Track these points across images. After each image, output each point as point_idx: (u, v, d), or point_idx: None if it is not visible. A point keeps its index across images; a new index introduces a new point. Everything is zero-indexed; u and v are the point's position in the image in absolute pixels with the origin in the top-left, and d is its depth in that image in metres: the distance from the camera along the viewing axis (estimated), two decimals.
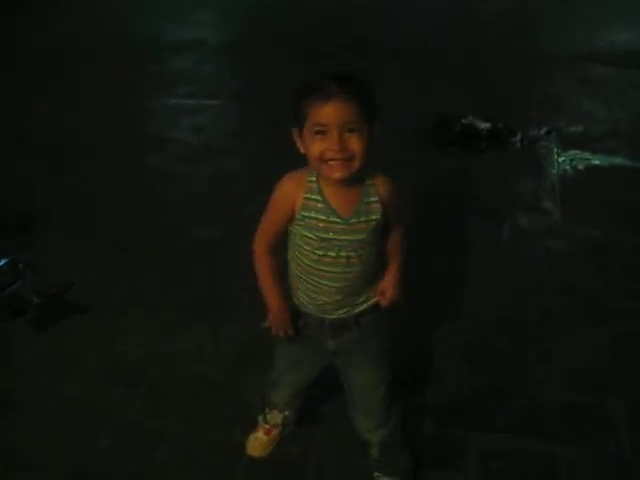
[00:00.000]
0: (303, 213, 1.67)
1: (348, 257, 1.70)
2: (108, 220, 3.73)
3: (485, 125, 4.71)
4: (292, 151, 1.71)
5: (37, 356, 2.77)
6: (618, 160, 4.41)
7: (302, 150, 1.65)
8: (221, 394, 2.54)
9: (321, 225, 1.67)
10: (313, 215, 1.67)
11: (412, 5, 8.47)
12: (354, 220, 1.68)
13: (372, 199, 1.70)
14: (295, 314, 1.87)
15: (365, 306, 1.84)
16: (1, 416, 2.47)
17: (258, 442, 2.28)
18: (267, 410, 2.21)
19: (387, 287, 1.86)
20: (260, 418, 2.26)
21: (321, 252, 1.69)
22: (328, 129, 1.54)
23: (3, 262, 3.25)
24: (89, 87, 5.84)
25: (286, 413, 2.19)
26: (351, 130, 1.55)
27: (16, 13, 8.37)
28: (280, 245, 1.82)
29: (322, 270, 1.72)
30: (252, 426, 2.31)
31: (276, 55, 6.76)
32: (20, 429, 2.42)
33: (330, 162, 1.57)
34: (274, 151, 3.66)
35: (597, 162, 4.38)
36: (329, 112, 1.53)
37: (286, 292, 1.87)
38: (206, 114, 5.27)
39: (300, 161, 1.69)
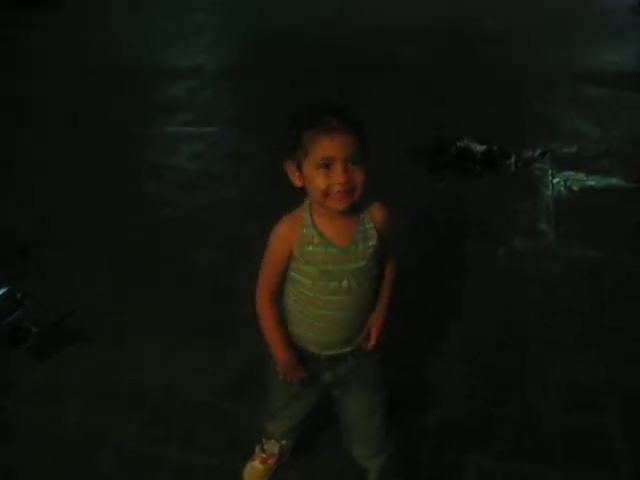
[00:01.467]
0: (300, 249, 1.69)
1: (349, 286, 1.71)
2: (106, 246, 3.75)
3: (480, 148, 4.75)
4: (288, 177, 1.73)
5: (37, 384, 2.77)
6: (613, 181, 4.45)
7: (296, 183, 1.66)
8: (221, 419, 2.55)
9: (319, 258, 1.68)
10: (310, 249, 1.68)
11: (409, 30, 8.57)
12: (352, 248, 1.70)
13: (367, 226, 1.72)
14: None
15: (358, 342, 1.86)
16: (1, 444, 2.48)
17: (255, 471, 2.29)
18: (264, 439, 2.22)
19: (372, 326, 1.87)
20: (257, 447, 2.27)
21: (322, 283, 1.71)
22: (333, 162, 1.57)
23: (2, 292, 3.27)
24: (86, 114, 5.89)
25: (283, 442, 2.19)
26: (354, 162, 1.58)
27: (16, 39, 8.47)
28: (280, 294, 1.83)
29: (324, 301, 1.73)
30: (251, 452, 2.31)
31: (273, 82, 6.82)
32: (21, 456, 2.43)
33: (335, 194, 1.59)
34: (272, 178, 3.67)
35: (592, 183, 4.42)
36: (334, 146, 1.55)
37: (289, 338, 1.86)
38: (203, 141, 5.31)
39: (298, 189, 1.71)
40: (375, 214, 1.74)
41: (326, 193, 1.59)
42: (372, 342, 1.87)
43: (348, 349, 1.84)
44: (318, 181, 1.59)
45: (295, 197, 1.74)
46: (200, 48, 8.39)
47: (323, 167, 1.57)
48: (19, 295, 3.25)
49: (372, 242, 1.72)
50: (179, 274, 3.48)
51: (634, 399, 2.62)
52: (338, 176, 1.56)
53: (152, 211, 4.16)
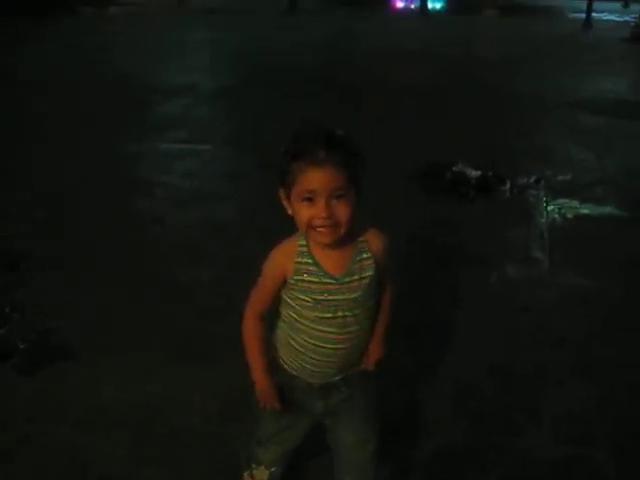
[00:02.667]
0: (296, 277, 1.65)
1: (344, 317, 1.67)
2: (95, 262, 3.72)
3: (475, 173, 4.76)
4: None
5: (22, 401, 2.72)
6: (607, 209, 4.46)
7: (289, 211, 1.63)
8: (207, 443, 2.50)
9: (314, 287, 1.65)
10: (306, 278, 1.65)
11: (407, 57, 8.63)
12: (347, 279, 1.66)
13: (364, 256, 1.68)
14: (282, 384, 1.82)
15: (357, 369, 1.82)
16: None
17: None
18: (253, 466, 2.17)
19: (372, 350, 1.84)
20: (245, 473, 2.21)
21: (316, 313, 1.67)
22: (316, 196, 1.54)
23: None
24: (80, 129, 5.88)
25: (272, 469, 2.14)
26: (338, 197, 1.54)
27: (16, 54, 8.48)
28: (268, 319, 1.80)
29: (319, 331, 1.69)
30: (238, 478, 2.26)
31: (268, 101, 6.84)
32: (3, 476, 2.37)
33: (318, 228, 1.57)
34: (266, 198, 3.66)
35: (586, 211, 4.42)
36: (318, 180, 1.52)
37: (271, 364, 1.82)
38: (197, 159, 5.30)
39: None
40: (372, 242, 1.70)
41: (310, 226, 1.57)
42: (371, 365, 1.84)
43: (341, 377, 1.80)
44: (302, 213, 1.56)
45: (289, 218, 1.71)
46: (196, 67, 8.43)
47: (307, 200, 1.55)
48: (7, 310, 3.21)
49: (369, 273, 1.68)
50: (167, 293, 3.44)
51: (626, 429, 2.59)
52: (320, 211, 1.54)
53: (143, 228, 4.14)
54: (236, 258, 3.69)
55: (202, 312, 3.27)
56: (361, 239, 1.68)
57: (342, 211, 1.55)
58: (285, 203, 1.63)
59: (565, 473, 2.39)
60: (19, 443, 2.50)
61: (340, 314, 1.66)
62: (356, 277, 1.66)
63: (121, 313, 3.27)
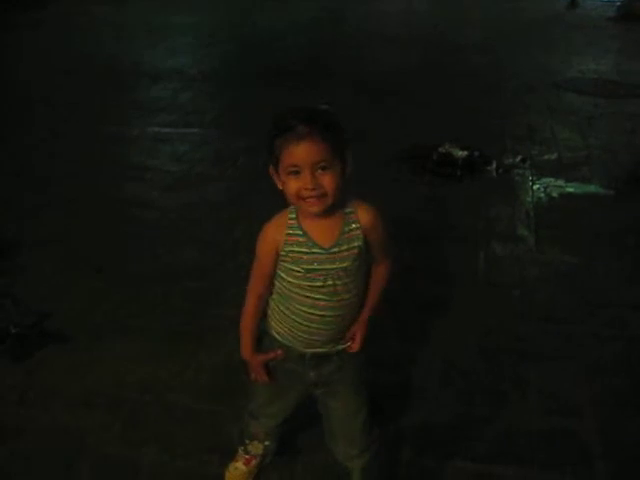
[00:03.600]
0: (286, 249, 1.72)
1: (334, 285, 1.73)
2: (86, 246, 3.74)
3: (461, 153, 4.78)
4: (272, 180, 1.75)
5: (14, 386, 2.74)
6: (592, 187, 4.50)
7: (279, 186, 1.70)
8: (200, 423, 2.54)
9: (305, 257, 1.71)
10: (296, 249, 1.71)
11: (392, 37, 8.63)
12: (336, 249, 1.72)
13: (353, 226, 1.74)
14: (273, 354, 1.89)
15: (343, 344, 1.88)
16: None
17: (238, 472, 2.28)
18: (247, 441, 2.22)
19: (357, 330, 1.89)
20: (240, 449, 2.26)
21: (307, 282, 1.73)
22: (301, 169, 1.61)
23: None
24: (68, 114, 5.86)
25: (266, 443, 2.19)
26: (323, 168, 1.61)
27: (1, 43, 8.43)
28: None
29: (310, 298, 1.75)
30: (231, 456, 2.31)
31: (255, 84, 6.84)
32: None
33: (307, 199, 1.64)
34: (255, 179, 3.70)
35: (571, 189, 4.46)
36: (300, 153, 1.59)
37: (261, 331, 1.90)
38: (186, 142, 5.30)
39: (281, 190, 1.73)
40: (362, 214, 1.75)
41: (298, 197, 1.64)
42: (356, 345, 1.89)
43: (333, 350, 1.86)
44: (290, 186, 1.64)
45: (279, 198, 1.75)
46: (181, 50, 8.39)
47: (293, 173, 1.62)
48: None
49: (357, 243, 1.74)
50: (159, 276, 3.47)
51: (610, 401, 2.65)
52: (306, 182, 1.61)
53: (133, 212, 4.15)
54: (230, 241, 3.72)
55: (193, 294, 3.30)
56: (349, 210, 1.75)
57: (328, 181, 1.62)
58: (275, 178, 1.71)
59: (550, 445, 2.45)
60: (11, 427, 2.53)
61: (330, 282, 1.72)
62: (345, 247, 1.73)
63: (113, 297, 3.30)
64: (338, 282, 1.73)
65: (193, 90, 6.77)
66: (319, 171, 1.61)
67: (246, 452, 2.25)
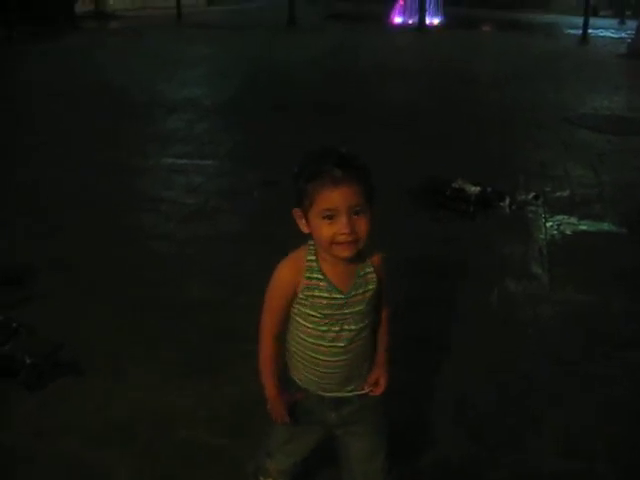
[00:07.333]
0: (306, 293, 1.71)
1: (350, 330, 1.74)
2: (100, 279, 3.75)
3: (474, 189, 4.80)
4: (286, 212, 1.75)
5: (28, 416, 2.74)
6: (605, 225, 4.51)
7: (305, 230, 1.70)
8: (216, 458, 2.52)
9: (324, 302, 1.71)
10: (317, 294, 1.71)
11: (402, 72, 8.70)
12: (353, 292, 1.73)
13: (367, 270, 1.76)
14: (294, 396, 1.87)
15: (367, 389, 1.87)
16: None
17: None
18: (261, 478, 2.21)
19: (379, 375, 1.89)
20: None
21: (325, 328, 1.73)
22: (337, 213, 1.60)
23: None
24: (85, 145, 5.93)
25: None
26: (357, 212, 1.61)
27: (16, 70, 8.53)
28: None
29: (324, 346, 1.75)
30: None
31: (268, 116, 6.90)
32: None
33: (340, 244, 1.63)
34: (269, 212, 3.72)
35: (584, 227, 4.47)
36: (337, 198, 1.58)
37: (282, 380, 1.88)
38: (201, 174, 5.34)
39: (294, 223, 1.73)
40: (375, 258, 1.78)
41: (331, 242, 1.63)
42: (380, 390, 1.89)
43: (352, 392, 1.85)
44: (323, 231, 1.63)
45: (293, 232, 1.76)
46: (196, 82, 8.49)
47: (327, 218, 1.61)
48: (14, 325, 3.23)
49: (372, 286, 1.76)
50: (174, 308, 3.47)
51: (625, 443, 2.63)
52: (342, 227, 1.60)
53: (147, 243, 4.17)
54: (241, 275, 3.73)
55: (209, 328, 3.30)
56: (364, 254, 1.75)
57: (362, 226, 1.63)
58: (300, 222, 1.69)
59: None
60: (25, 458, 2.52)
61: (346, 327, 1.73)
62: (360, 291, 1.74)
63: (128, 328, 3.30)
64: (353, 327, 1.74)
65: (207, 121, 6.84)
66: (354, 216, 1.61)
67: None
